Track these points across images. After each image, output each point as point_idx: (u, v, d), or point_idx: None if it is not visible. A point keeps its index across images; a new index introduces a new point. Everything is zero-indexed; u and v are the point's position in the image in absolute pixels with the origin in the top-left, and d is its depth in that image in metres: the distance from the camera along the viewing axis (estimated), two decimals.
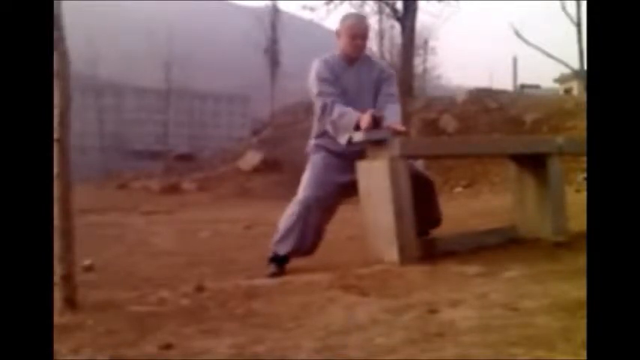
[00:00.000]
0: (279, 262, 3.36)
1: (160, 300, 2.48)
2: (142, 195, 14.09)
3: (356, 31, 3.34)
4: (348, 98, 3.34)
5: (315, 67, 3.38)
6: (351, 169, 3.25)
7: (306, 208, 3.29)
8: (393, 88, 3.46)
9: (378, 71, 3.45)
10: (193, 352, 1.76)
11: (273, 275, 3.22)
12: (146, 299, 2.50)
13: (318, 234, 3.38)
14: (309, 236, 3.32)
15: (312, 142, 3.49)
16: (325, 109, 3.28)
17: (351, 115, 3.19)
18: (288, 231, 3.32)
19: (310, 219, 3.30)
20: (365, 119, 3.11)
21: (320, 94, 3.31)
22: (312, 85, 3.35)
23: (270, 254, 3.40)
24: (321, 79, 3.32)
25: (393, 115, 3.27)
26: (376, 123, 3.12)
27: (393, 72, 3.63)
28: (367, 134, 3.12)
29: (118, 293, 2.71)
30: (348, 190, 3.33)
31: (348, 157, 3.28)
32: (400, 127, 3.23)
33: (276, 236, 3.36)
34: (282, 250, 3.35)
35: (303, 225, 3.29)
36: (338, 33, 3.40)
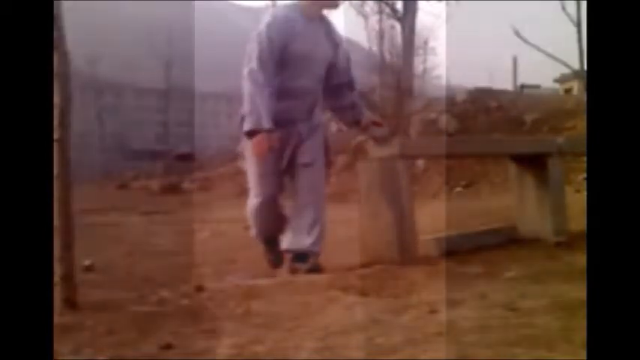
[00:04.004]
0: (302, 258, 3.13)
1: (159, 300, 2.48)
2: (142, 195, 14.07)
3: None
4: (300, 64, 3.11)
5: (270, 24, 3.04)
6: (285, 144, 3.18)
7: (264, 209, 3.27)
8: (348, 67, 3.28)
9: (336, 36, 3.24)
10: (193, 352, 1.76)
11: (313, 270, 3.03)
12: (146, 299, 2.50)
13: (281, 217, 3.32)
14: (275, 223, 3.31)
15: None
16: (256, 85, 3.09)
17: (261, 111, 3.06)
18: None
19: (271, 213, 3.29)
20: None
21: (262, 65, 3.03)
22: (256, 51, 3.03)
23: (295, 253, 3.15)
24: (269, 53, 3.02)
25: (363, 108, 3.35)
26: None
27: (344, 40, 3.37)
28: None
29: (118, 293, 2.71)
30: (290, 168, 3.23)
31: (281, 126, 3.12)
32: (380, 120, 3.36)
33: (309, 237, 3.11)
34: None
35: (267, 220, 3.30)
36: None
